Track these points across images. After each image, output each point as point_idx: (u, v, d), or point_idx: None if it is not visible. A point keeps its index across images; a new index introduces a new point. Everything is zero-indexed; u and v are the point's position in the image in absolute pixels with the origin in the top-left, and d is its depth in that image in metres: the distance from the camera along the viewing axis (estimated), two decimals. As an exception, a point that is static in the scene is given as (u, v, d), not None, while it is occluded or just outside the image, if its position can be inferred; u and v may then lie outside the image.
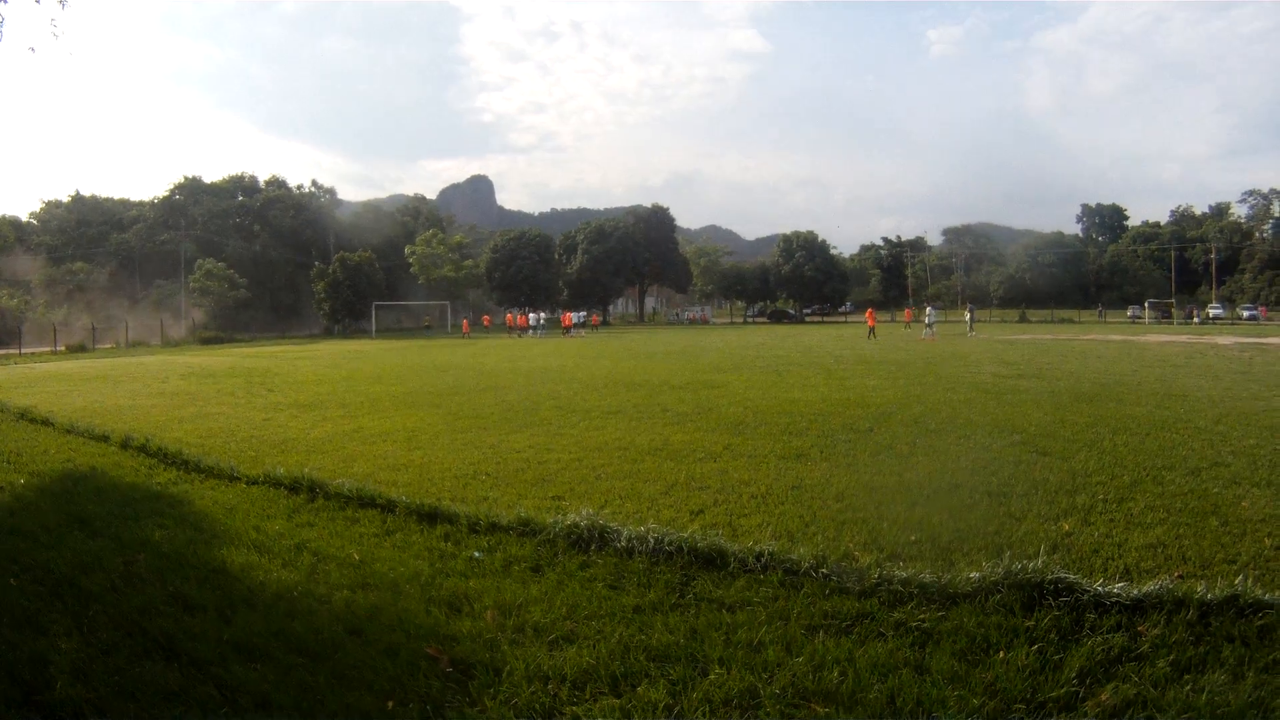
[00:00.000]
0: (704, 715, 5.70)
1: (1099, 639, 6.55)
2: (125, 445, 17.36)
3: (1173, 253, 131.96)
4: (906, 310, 65.65)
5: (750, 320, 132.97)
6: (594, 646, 6.77)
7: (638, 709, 5.82)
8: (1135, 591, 7.17)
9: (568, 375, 32.63)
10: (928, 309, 69.06)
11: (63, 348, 76.67)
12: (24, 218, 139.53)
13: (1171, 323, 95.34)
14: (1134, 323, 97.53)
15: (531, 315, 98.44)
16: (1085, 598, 7.16)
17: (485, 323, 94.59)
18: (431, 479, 13.56)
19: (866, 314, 67.65)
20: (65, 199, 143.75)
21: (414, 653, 6.79)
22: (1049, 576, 7.41)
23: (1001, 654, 6.41)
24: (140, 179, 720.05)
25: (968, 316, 77.09)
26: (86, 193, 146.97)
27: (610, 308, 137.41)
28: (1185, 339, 53.68)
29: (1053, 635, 6.68)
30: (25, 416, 23.00)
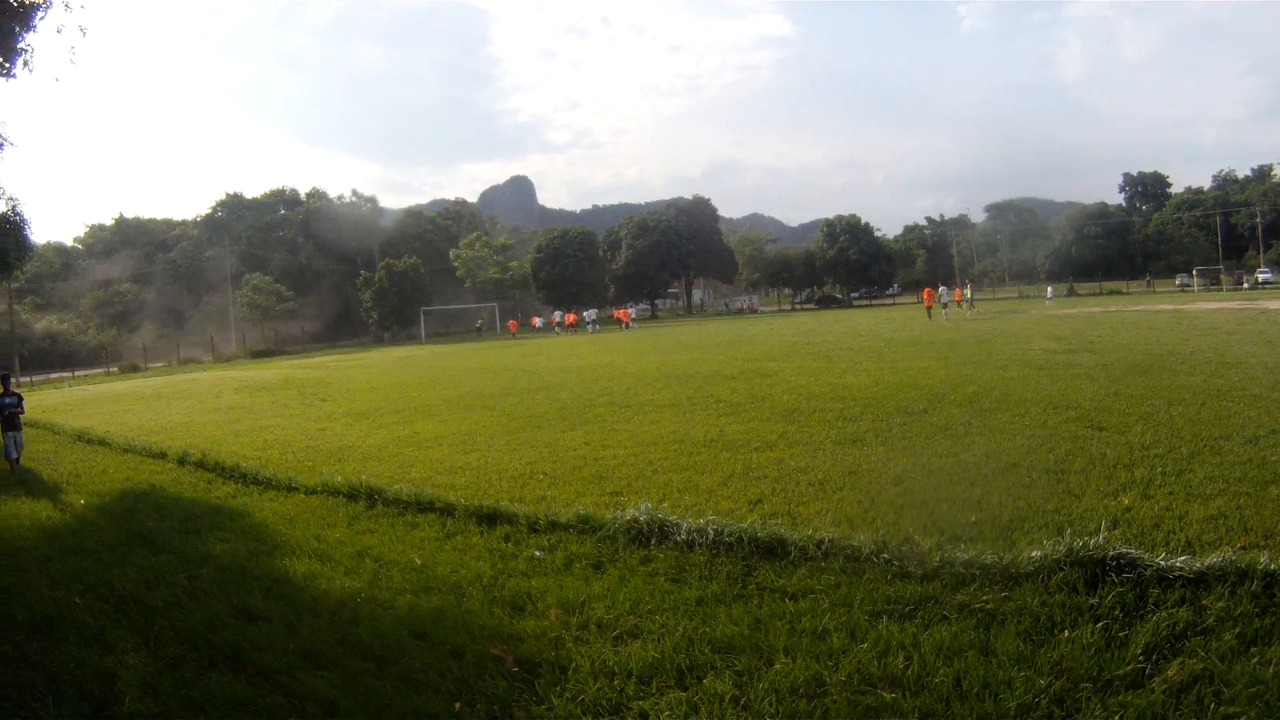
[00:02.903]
0: (770, 705, 5.72)
1: (1163, 614, 6.52)
2: (183, 461, 17.64)
3: (1217, 218, 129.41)
4: (926, 291, 62.68)
5: (798, 307, 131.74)
6: (658, 641, 6.82)
7: (704, 701, 5.87)
8: (1198, 565, 7.12)
9: (619, 371, 32.71)
10: (941, 288, 67.66)
11: (115, 368, 77.67)
12: (69, 243, 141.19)
13: (1220, 289, 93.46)
14: (1182, 291, 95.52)
15: (557, 314, 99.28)
16: (1148, 573, 7.12)
17: (513, 327, 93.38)
18: (489, 480, 13.66)
19: (924, 293, 65.95)
20: (109, 222, 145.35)
21: (479, 654, 6.87)
22: (1111, 553, 7.37)
23: (1066, 633, 6.39)
24: (182, 198, 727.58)
25: (968, 293, 75.40)
26: (130, 215, 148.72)
27: (658, 301, 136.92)
28: (1235, 305, 52.80)
29: (1117, 612, 6.65)
30: (82, 438, 23.41)
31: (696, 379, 26.73)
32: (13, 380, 20.10)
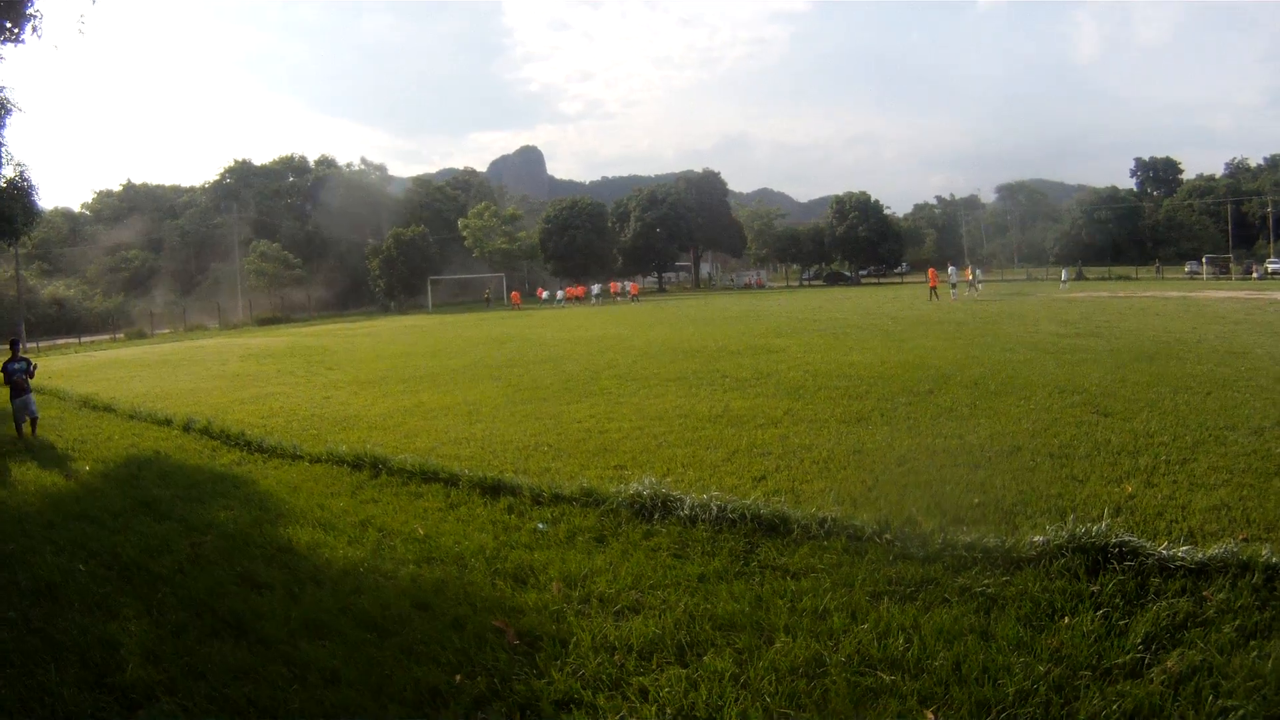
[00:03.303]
0: (770, 684, 5.75)
1: (1164, 604, 6.55)
2: (188, 429, 17.70)
3: (1228, 206, 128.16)
4: (930, 271, 62.50)
5: (806, 283, 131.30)
6: (659, 616, 6.86)
7: (704, 678, 5.89)
8: (1200, 555, 7.14)
9: (625, 344, 32.73)
10: (950, 269, 67.03)
11: (121, 335, 77.62)
12: (76, 209, 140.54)
13: (1229, 278, 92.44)
14: (1191, 279, 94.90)
15: (560, 292, 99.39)
16: (1150, 562, 7.14)
17: (515, 300, 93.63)
18: (494, 452, 13.70)
19: (929, 273, 65.65)
20: (117, 188, 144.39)
21: (480, 626, 6.92)
22: (1113, 540, 7.39)
23: (1066, 619, 6.41)
24: (191, 165, 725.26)
25: (970, 276, 73.84)
26: (138, 181, 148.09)
27: (665, 274, 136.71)
28: (1244, 294, 52.53)
29: (1118, 600, 6.67)
30: (87, 404, 23.44)
31: (703, 354, 26.78)
32: (21, 346, 19.96)
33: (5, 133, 28.14)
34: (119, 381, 30.45)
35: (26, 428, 18.08)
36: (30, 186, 31.97)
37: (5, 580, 8.79)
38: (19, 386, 18.10)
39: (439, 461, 12.71)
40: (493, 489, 11.18)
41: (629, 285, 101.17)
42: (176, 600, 7.96)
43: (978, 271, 77.85)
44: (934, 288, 59.55)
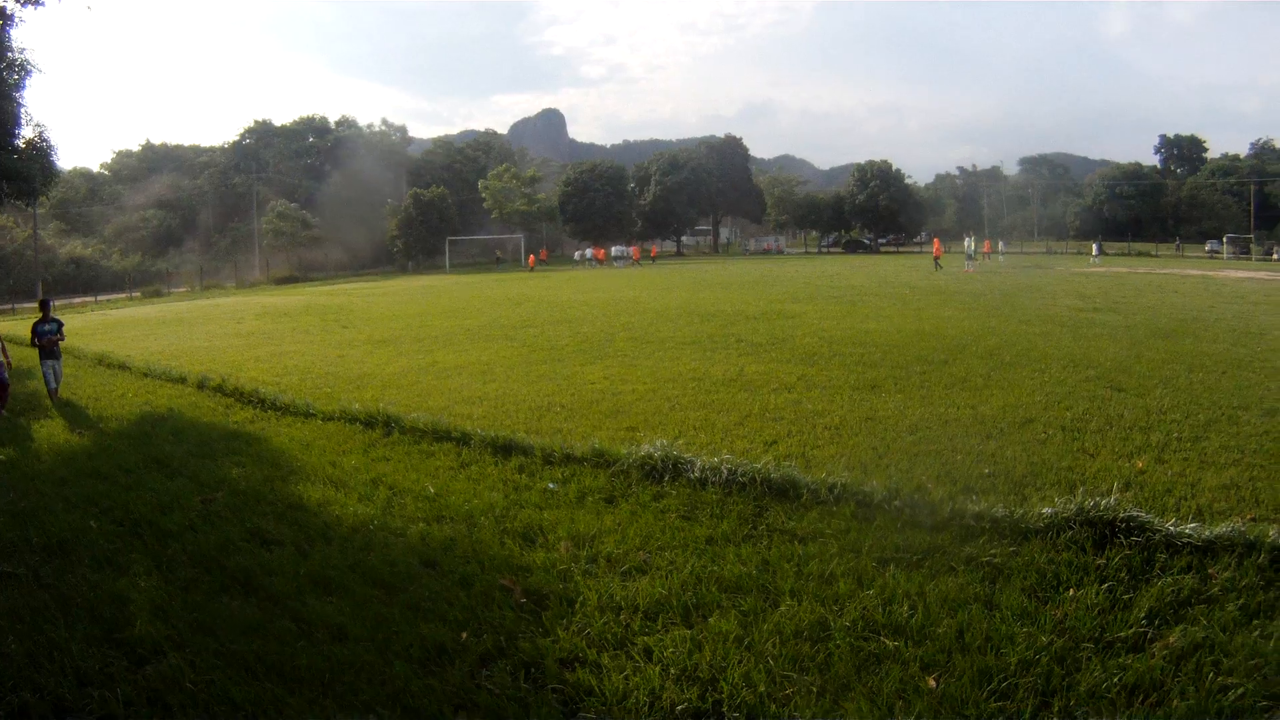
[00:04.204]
0: (774, 647, 5.79)
1: (1169, 580, 6.56)
2: (202, 386, 17.74)
3: (1252, 187, 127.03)
4: (935, 241, 62.78)
5: (825, 250, 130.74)
6: (666, 577, 6.92)
7: (709, 640, 5.94)
8: (1207, 533, 7.15)
9: (641, 307, 32.70)
10: (967, 240, 66.65)
11: (138, 294, 77.80)
12: (95, 169, 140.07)
13: (1250, 259, 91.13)
14: (1211, 257, 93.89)
15: (588, 250, 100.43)
16: (1157, 538, 7.15)
17: (530, 262, 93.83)
18: (506, 411, 13.76)
19: (934, 244, 65.40)
20: (136, 148, 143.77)
21: (488, 584, 6.98)
22: (1121, 514, 7.39)
23: (1071, 592, 6.44)
24: (211, 125, 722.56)
25: (990, 248, 73.24)
26: (157, 141, 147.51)
27: (686, 239, 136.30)
28: (1264, 275, 51.79)
29: (1123, 574, 6.69)
30: (102, 362, 23.47)
31: (718, 317, 26.79)
32: (52, 306, 19.80)
33: (25, 94, 28.19)
34: (134, 339, 30.56)
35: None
36: (49, 147, 31.84)
37: (17, 537, 8.86)
38: (48, 349, 17.98)
39: (451, 420, 12.76)
40: (504, 448, 11.21)
41: (630, 249, 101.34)
42: (186, 557, 8.05)
43: (1000, 243, 77.49)
44: (938, 258, 59.40)
